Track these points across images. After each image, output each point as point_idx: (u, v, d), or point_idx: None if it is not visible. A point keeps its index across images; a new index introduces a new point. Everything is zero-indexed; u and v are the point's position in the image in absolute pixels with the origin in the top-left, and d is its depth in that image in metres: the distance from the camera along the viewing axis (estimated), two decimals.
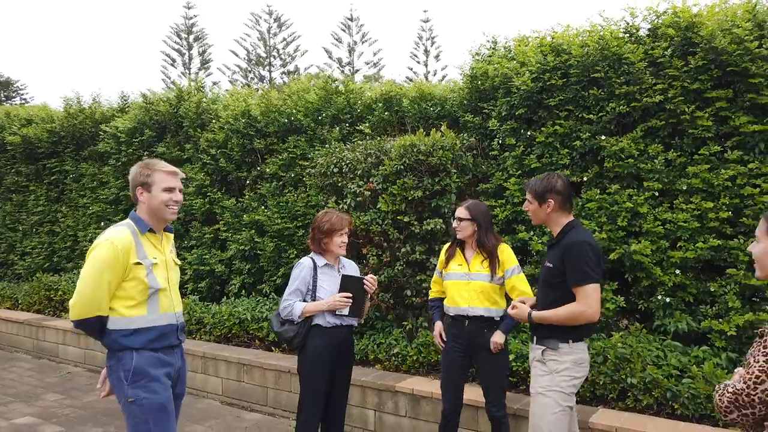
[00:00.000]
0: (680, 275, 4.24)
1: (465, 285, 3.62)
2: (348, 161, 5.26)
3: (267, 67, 36.91)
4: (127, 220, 2.73)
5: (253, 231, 6.76)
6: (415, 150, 4.94)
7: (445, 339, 3.75)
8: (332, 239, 3.57)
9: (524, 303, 3.07)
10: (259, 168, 7.00)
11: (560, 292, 2.93)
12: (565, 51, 4.74)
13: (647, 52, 4.39)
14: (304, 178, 6.49)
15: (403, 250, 5.01)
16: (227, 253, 7.02)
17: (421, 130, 5.11)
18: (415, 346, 5.03)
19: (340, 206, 5.30)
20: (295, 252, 6.38)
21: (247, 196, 7.00)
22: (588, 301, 2.83)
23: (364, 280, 3.51)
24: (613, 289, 4.52)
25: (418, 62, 34.88)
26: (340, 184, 5.37)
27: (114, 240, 2.59)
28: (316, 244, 3.60)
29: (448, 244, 3.86)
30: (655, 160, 4.33)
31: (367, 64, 35.91)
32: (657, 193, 4.38)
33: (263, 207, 6.79)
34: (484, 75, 5.25)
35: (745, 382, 1.65)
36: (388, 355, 5.14)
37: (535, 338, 3.05)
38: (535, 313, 2.96)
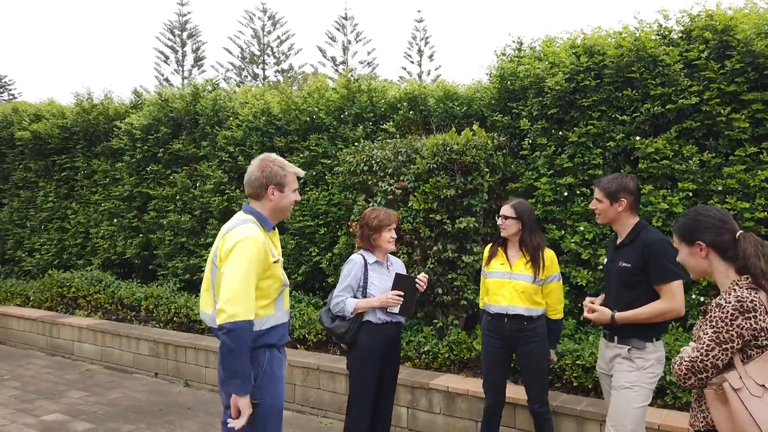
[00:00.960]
0: None
1: (507, 284, 3.66)
2: (378, 159, 5.28)
3: (261, 65, 36.79)
4: (248, 217, 2.65)
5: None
6: (447, 149, 4.97)
7: (486, 355, 3.83)
8: (381, 235, 3.59)
9: (593, 303, 3.12)
10: None
11: (638, 291, 2.99)
12: (598, 52, 4.79)
13: (682, 54, 4.45)
14: (326, 177, 6.50)
15: (434, 248, 5.04)
16: None
17: (453, 129, 5.15)
18: (446, 344, 5.06)
19: (370, 204, 5.31)
20: (317, 250, 6.39)
21: None
22: (675, 297, 2.90)
23: (417, 279, 3.54)
24: None
25: (412, 62, 34.94)
26: (369, 182, 5.38)
27: (256, 237, 2.53)
28: (366, 240, 3.62)
29: (491, 244, 3.90)
30: (690, 161, 4.40)
31: (361, 63, 35.89)
32: (691, 194, 4.44)
33: None
34: (514, 75, 5.29)
35: (698, 351, 2.00)
36: (419, 353, 5.17)
37: (616, 338, 3.09)
38: (619, 315, 3.00)
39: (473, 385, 4.68)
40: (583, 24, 16.28)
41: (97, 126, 8.61)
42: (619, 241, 3.15)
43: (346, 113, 6.51)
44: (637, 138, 4.61)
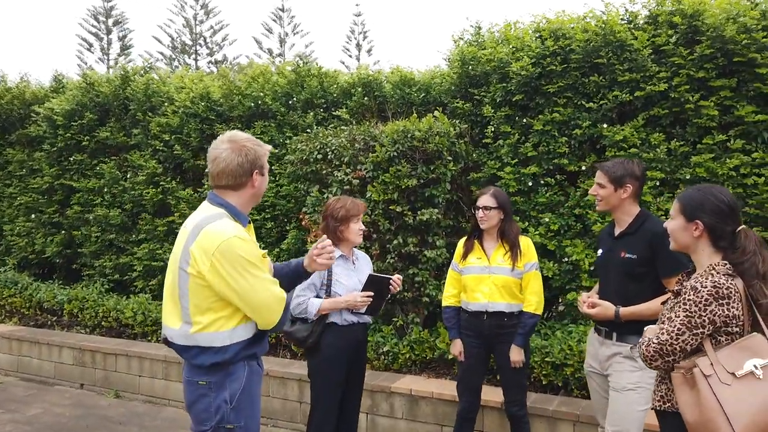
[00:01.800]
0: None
1: (486, 279, 3.39)
2: (333, 147, 4.90)
3: (193, 56, 35.36)
4: (220, 211, 2.23)
5: None
6: (408, 136, 4.65)
7: (464, 356, 3.51)
8: (349, 226, 3.24)
9: (591, 297, 2.88)
10: None
11: (643, 284, 2.76)
12: (565, 36, 4.61)
13: (651, 39, 4.33)
14: (273, 167, 6.04)
15: (394, 242, 4.72)
16: None
17: (414, 115, 4.84)
18: (407, 343, 4.76)
19: (324, 195, 4.93)
20: (263, 246, 5.92)
21: (206, 186, 6.45)
22: None
23: (392, 281, 3.21)
24: None
25: (350, 56, 34.45)
26: (324, 172, 4.99)
27: (242, 236, 2.15)
28: (331, 233, 3.25)
29: (465, 237, 3.61)
30: (658, 150, 4.28)
31: (299, 56, 35.04)
32: (658, 183, 4.33)
33: None
34: (475, 60, 5.04)
35: (668, 334, 1.96)
36: (377, 353, 4.84)
37: (615, 335, 2.85)
38: (625, 310, 2.76)
39: (437, 386, 4.40)
40: (545, 8, 16.29)
41: (11, 111, 7.75)
42: (619, 230, 2.91)
43: (294, 99, 6.08)
44: (604, 126, 4.46)
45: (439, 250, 4.72)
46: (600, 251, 3.06)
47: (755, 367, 1.82)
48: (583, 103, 4.58)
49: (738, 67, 4.09)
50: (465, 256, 3.50)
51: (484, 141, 4.99)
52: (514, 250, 3.37)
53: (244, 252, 2.12)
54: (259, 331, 2.27)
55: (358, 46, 34.26)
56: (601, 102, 4.49)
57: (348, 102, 5.78)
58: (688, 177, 4.21)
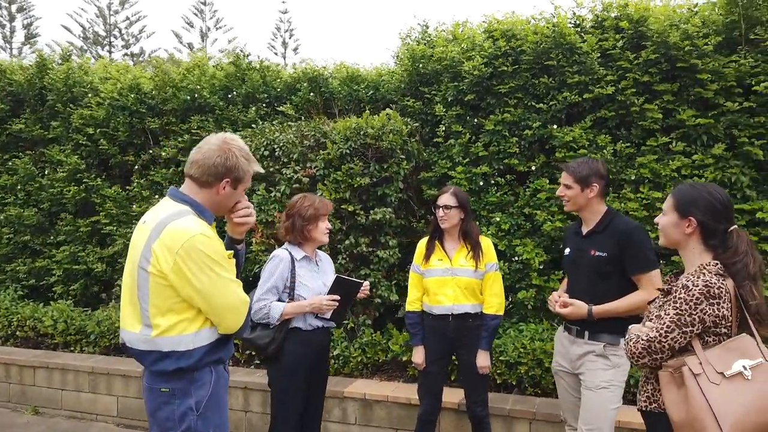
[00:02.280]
0: None
1: (449, 281, 3.33)
2: (281, 144, 4.69)
3: (107, 47, 33.40)
4: (184, 208, 2.09)
5: None
6: (361, 133, 4.53)
7: (428, 361, 3.41)
8: (317, 225, 3.08)
9: (561, 297, 2.86)
10: (151, 151, 6.06)
11: (612, 281, 2.77)
12: (516, 37, 4.65)
13: (599, 43, 4.44)
14: None
15: (346, 242, 4.58)
16: (110, 249, 6.01)
17: (367, 112, 4.72)
18: (358, 346, 4.63)
19: (272, 194, 4.71)
20: None
21: (135, 184, 6.04)
22: (656, 287, 2.71)
23: (363, 286, 3.09)
24: (558, 278, 4.53)
25: (276, 54, 33.80)
26: (271, 170, 4.77)
27: (207, 233, 2.03)
28: (297, 233, 3.08)
29: (426, 239, 3.53)
30: (604, 150, 4.40)
31: (222, 52, 33.98)
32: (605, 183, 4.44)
33: (158, 196, 5.90)
34: (426, 58, 4.99)
35: (657, 332, 1.95)
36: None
37: (587, 334, 2.84)
38: (598, 308, 2.75)
39: (392, 389, 4.30)
40: (494, 8, 16.49)
41: None
42: (587, 229, 2.92)
43: (234, 93, 5.80)
44: (554, 127, 4.53)
45: (392, 251, 4.63)
46: (567, 250, 3.06)
47: (744, 367, 1.83)
48: (533, 104, 4.64)
49: (680, 72, 4.27)
50: (427, 257, 3.42)
51: (435, 140, 4.95)
52: (476, 250, 3.32)
53: (211, 250, 2.00)
54: (225, 334, 2.13)
55: (284, 44, 33.68)
56: (551, 103, 4.56)
57: (293, 97, 5.58)
58: (633, 177, 4.35)
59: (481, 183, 4.74)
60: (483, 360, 3.29)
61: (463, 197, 3.36)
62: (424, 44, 5.11)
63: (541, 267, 4.51)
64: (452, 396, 3.98)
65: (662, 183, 4.30)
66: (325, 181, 4.58)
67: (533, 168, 4.65)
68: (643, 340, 1.98)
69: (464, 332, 3.32)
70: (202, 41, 33.62)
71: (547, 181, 4.56)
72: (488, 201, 4.72)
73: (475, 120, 4.81)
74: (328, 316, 3.08)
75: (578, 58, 4.46)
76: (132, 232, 5.86)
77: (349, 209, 4.55)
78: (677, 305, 1.93)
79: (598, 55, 4.40)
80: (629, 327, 2.15)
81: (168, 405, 2.04)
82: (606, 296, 2.77)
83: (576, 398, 2.94)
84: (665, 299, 2.05)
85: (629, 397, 3.71)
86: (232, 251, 2.21)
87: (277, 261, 3.03)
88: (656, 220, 2.22)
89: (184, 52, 32.32)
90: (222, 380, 2.16)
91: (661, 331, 1.94)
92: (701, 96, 4.21)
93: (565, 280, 3.16)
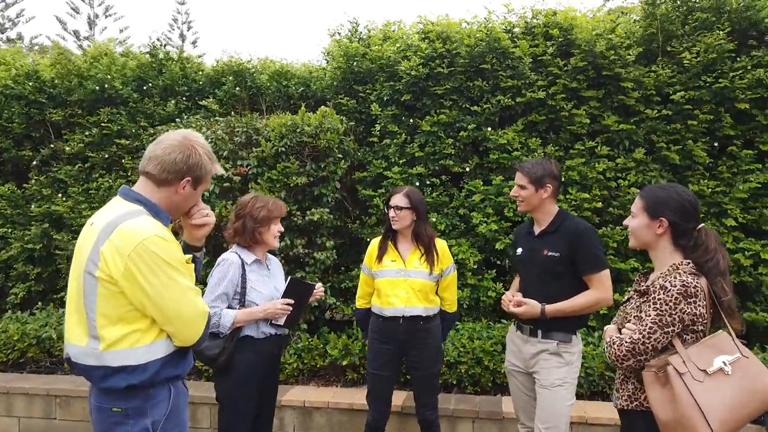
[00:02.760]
0: None
1: (402, 282, 3.27)
2: (211, 140, 4.41)
3: None
4: (137, 208, 1.88)
5: (47, 225, 5.30)
6: (298, 131, 4.37)
7: (377, 364, 3.34)
8: (269, 228, 2.90)
9: (515, 296, 2.88)
10: (53, 146, 5.50)
11: (564, 281, 2.81)
12: (452, 39, 4.69)
13: (531, 49, 4.58)
14: (123, 160, 5.30)
15: (281, 244, 4.38)
16: (3, 254, 5.38)
17: (303, 108, 4.55)
18: (294, 352, 4.46)
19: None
20: None
21: (34, 181, 5.45)
22: (605, 287, 2.77)
23: (316, 288, 2.94)
24: (492, 277, 4.63)
25: (173, 46, 32.16)
26: None
27: (163, 235, 1.83)
28: (247, 235, 2.88)
29: (378, 239, 3.45)
30: (535, 153, 4.55)
31: (111, 41, 31.78)
32: None
33: (61, 195, 5.37)
34: (361, 56, 4.91)
35: (640, 333, 1.97)
36: None
37: (540, 332, 2.86)
38: (550, 307, 2.78)
39: (331, 395, 4.18)
40: (427, 10, 16.52)
41: None
42: (539, 229, 2.96)
43: (150, 85, 5.40)
44: (489, 129, 4.62)
45: (328, 252, 4.50)
46: (520, 250, 3.09)
47: (724, 363, 1.90)
48: (468, 106, 4.71)
49: (605, 80, 4.51)
50: (380, 258, 3.35)
51: (369, 140, 4.89)
52: (429, 253, 3.29)
53: (166, 254, 1.80)
54: (183, 347, 1.94)
55: (182, 36, 32.13)
56: (485, 106, 4.65)
57: (217, 91, 5.28)
58: (562, 180, 4.53)
59: (417, 183, 4.73)
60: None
61: (416, 198, 3.31)
62: (357, 42, 5.03)
63: (475, 267, 4.58)
64: (397, 399, 3.93)
65: (589, 185, 4.51)
66: (259, 180, 4.37)
67: (467, 169, 4.72)
68: (626, 342, 1.98)
69: (415, 334, 3.27)
70: (90, 29, 31.24)
71: (481, 183, 4.65)
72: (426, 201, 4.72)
73: (411, 120, 4.81)
74: (281, 322, 2.91)
75: (511, 62, 4.59)
76: (32, 236, 5.29)
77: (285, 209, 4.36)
78: (657, 306, 1.94)
79: (531, 60, 4.54)
80: (605, 329, 2.18)
81: (120, 426, 1.82)
82: (558, 295, 2.82)
83: (529, 397, 2.99)
84: (642, 300, 2.08)
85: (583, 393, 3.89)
86: (191, 256, 2.02)
87: (226, 265, 2.83)
88: (626, 222, 2.25)
89: (69, 40, 29.92)
90: (181, 397, 1.96)
91: (644, 333, 1.95)
92: (624, 103, 4.47)
93: (517, 280, 3.20)
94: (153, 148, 1.94)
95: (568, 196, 4.51)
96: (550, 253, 2.86)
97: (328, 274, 4.70)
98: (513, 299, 2.90)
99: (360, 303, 3.46)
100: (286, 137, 4.35)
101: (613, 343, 2.04)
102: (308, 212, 4.41)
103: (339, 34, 5.38)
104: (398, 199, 3.27)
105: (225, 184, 4.38)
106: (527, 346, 2.93)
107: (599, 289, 2.77)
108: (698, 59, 4.31)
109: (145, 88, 5.42)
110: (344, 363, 4.29)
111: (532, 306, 2.83)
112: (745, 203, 4.29)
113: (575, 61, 4.46)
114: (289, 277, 2.92)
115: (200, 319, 1.89)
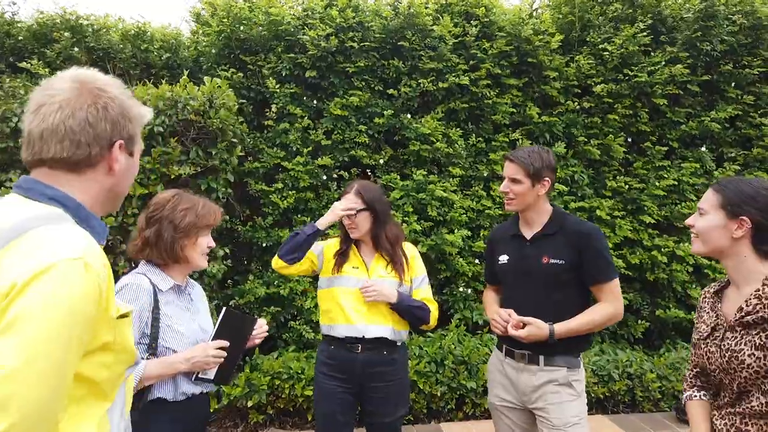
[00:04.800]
0: (479, 264, 4.11)
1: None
2: None
3: None
4: (55, 211, 1.03)
5: None
6: (180, 106, 3.33)
7: (326, 404, 2.52)
8: (196, 241, 1.96)
9: (510, 317, 2.29)
10: None
11: (567, 292, 2.28)
12: (364, 11, 4.01)
13: (452, 31, 4.09)
14: None
15: None
16: None
17: (186, 78, 3.48)
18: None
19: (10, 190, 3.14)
20: None
21: None
22: (619, 297, 2.29)
23: (257, 325, 2.07)
24: None
25: None
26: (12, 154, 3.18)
27: (91, 261, 0.96)
28: (164, 248, 1.90)
29: (336, 240, 2.64)
30: (457, 145, 4.08)
31: None
32: (457, 179, 4.13)
33: None
34: (250, 21, 3.98)
35: None
36: None
37: (541, 358, 2.29)
38: (560, 327, 2.21)
39: None
40: None
41: None
42: (531, 232, 2.39)
43: None
44: (408, 116, 4.04)
45: (219, 263, 3.53)
46: (504, 258, 2.49)
47: None
48: (379, 88, 4.07)
49: (528, 68, 4.20)
50: (340, 265, 2.55)
51: (264, 122, 3.99)
52: (395, 262, 2.57)
53: (80, 303, 0.93)
54: None
55: None
56: (403, 89, 4.05)
57: (46, 51, 3.92)
58: (485, 174, 4.13)
59: (324, 177, 3.97)
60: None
61: (371, 194, 2.55)
62: (247, 3, 4.08)
63: None
64: None
65: None
66: None
67: (381, 161, 4.08)
68: None
69: (378, 369, 2.52)
70: None
71: (398, 177, 4.04)
72: (332, 198, 3.97)
73: (315, 102, 4.02)
74: (211, 375, 1.98)
75: (429, 41, 4.05)
76: None
77: None
78: None
79: (453, 41, 4.05)
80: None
81: None
82: (564, 311, 2.31)
83: None
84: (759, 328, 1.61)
85: None
86: (130, 311, 1.12)
87: (131, 292, 1.82)
88: (689, 221, 1.81)
89: None
90: None
91: None
92: (545, 93, 4.20)
93: (494, 295, 2.62)
94: (39, 118, 1.07)
95: (492, 192, 4.12)
96: (552, 261, 2.32)
97: (215, 291, 3.71)
98: (511, 319, 2.33)
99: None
100: (163, 114, 3.28)
101: None
102: None
103: None
104: (350, 200, 2.50)
105: None
106: (525, 376, 2.35)
107: (612, 300, 2.30)
108: (620, 51, 4.20)
109: None
110: (249, 404, 3.38)
111: (538, 327, 2.28)
112: (663, 200, 4.29)
113: (500, 44, 4.06)
114: (224, 309, 1.99)
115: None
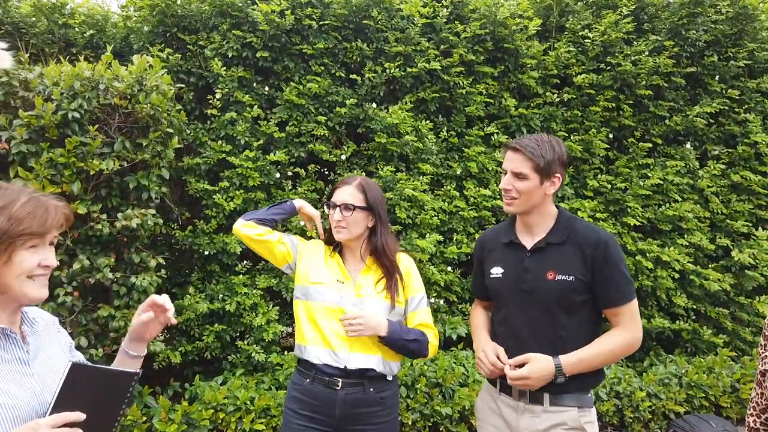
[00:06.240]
0: (452, 272, 3.69)
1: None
2: None
3: None
4: None
5: None
6: (102, 88, 2.77)
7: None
8: (11, 259, 1.25)
9: (501, 359, 1.85)
10: None
11: (582, 316, 1.85)
12: None
13: (421, 11, 3.65)
14: None
15: (75, 266, 2.74)
16: None
17: (110, 54, 2.91)
18: None
19: None
20: None
21: None
22: (637, 321, 1.87)
23: (162, 300, 1.45)
24: None
25: None
26: None
27: None
28: None
29: (317, 241, 2.14)
30: (427, 139, 3.65)
31: None
32: (427, 177, 3.71)
33: None
34: None
35: None
36: None
37: (547, 397, 1.85)
38: (569, 361, 1.79)
39: None
40: None
41: None
42: (533, 240, 1.94)
43: None
44: (374, 106, 3.58)
45: (152, 275, 2.97)
46: (498, 271, 2.02)
47: None
48: (343, 74, 3.60)
49: (504, 55, 3.81)
50: (320, 274, 2.04)
51: (206, 111, 3.45)
52: (391, 277, 2.08)
53: None
54: None
55: None
56: (367, 75, 3.58)
57: None
58: (459, 172, 3.72)
59: (277, 175, 3.47)
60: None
61: (375, 195, 2.03)
62: None
63: None
64: None
65: (486, 179, 3.77)
66: (32, 164, 2.66)
67: (343, 157, 3.61)
68: None
69: (361, 408, 2.02)
70: None
71: (363, 175, 3.57)
72: (287, 198, 3.47)
73: (267, 88, 3.51)
74: None
75: (396, 22, 3.61)
76: None
77: (80, 211, 2.73)
78: None
79: (423, 20, 3.61)
80: None
81: None
82: (570, 341, 1.86)
83: None
84: None
85: None
86: None
87: None
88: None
89: None
90: None
91: None
92: (522, 83, 3.82)
93: (483, 315, 2.18)
94: None
95: (466, 192, 3.71)
96: (559, 277, 1.87)
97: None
98: (505, 366, 1.88)
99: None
100: (81, 97, 2.71)
101: None
102: (119, 215, 2.83)
103: None
104: (347, 194, 2.01)
105: None
106: (527, 417, 1.89)
107: (632, 325, 1.88)
108: (602, 38, 3.85)
109: None
110: None
111: (541, 366, 1.84)
112: (647, 201, 3.97)
113: (474, 27, 3.65)
114: (69, 364, 1.29)
115: None
